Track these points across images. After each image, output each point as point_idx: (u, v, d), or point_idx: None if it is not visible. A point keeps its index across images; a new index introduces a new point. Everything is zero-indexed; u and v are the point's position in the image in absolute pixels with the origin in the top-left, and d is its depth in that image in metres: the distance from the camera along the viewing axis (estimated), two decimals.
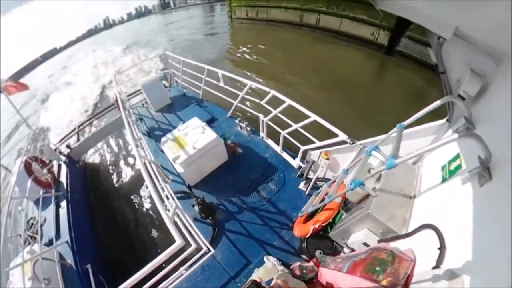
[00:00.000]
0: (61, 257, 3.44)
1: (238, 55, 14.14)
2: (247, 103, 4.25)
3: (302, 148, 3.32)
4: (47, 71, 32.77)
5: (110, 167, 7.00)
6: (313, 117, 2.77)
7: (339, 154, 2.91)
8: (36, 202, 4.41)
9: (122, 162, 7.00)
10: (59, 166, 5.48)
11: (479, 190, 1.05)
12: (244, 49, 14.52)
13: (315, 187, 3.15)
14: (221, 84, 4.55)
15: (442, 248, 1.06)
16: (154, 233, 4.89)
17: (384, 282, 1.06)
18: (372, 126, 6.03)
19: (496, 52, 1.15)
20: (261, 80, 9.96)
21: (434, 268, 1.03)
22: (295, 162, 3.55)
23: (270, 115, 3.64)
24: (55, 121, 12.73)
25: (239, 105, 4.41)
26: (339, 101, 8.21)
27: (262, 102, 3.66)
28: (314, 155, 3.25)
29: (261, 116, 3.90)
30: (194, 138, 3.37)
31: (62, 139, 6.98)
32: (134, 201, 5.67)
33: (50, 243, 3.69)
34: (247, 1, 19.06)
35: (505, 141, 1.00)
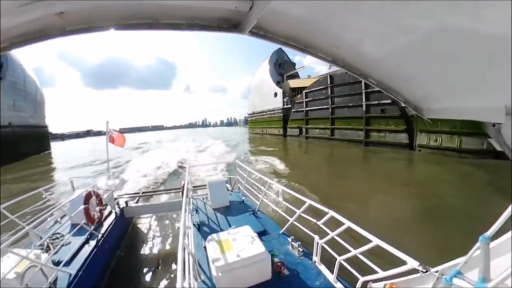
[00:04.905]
0: (55, 282, 3.22)
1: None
2: (303, 222, 4.14)
3: (362, 279, 2.84)
4: (155, 137, 59.96)
5: (151, 236, 6.95)
6: (375, 241, 2.53)
7: (408, 286, 2.33)
8: (74, 226, 4.56)
9: (163, 237, 6.91)
10: (110, 213, 5.91)
11: None
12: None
13: None
14: (280, 199, 4.86)
15: None
16: None
17: None
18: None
19: None
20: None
21: None
22: None
23: (327, 237, 3.41)
24: (133, 174, 15.02)
25: (295, 222, 4.28)
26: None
27: (320, 223, 3.56)
28: None
29: (316, 237, 3.66)
30: (241, 246, 3.12)
31: (125, 195, 7.91)
32: (157, 273, 5.26)
33: (57, 263, 3.50)
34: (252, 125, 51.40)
35: None
